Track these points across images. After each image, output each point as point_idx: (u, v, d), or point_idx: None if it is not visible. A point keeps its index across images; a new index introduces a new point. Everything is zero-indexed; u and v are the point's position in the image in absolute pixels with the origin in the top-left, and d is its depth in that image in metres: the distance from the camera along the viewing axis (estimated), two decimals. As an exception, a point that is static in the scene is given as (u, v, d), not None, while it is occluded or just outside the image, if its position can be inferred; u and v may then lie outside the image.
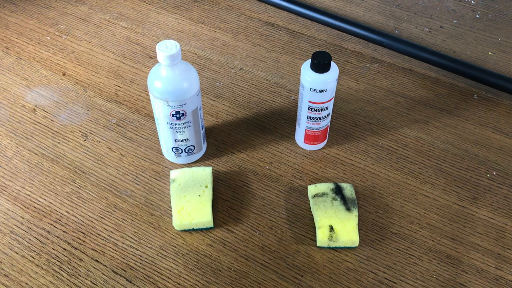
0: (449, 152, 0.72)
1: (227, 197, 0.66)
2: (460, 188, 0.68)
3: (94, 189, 0.67)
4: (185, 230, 0.62)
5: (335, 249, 0.61)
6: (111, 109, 0.78)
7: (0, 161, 0.71)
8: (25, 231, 0.63)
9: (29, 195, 0.66)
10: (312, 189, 0.65)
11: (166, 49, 0.58)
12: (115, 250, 0.61)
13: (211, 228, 0.63)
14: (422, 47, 0.84)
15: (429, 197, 0.67)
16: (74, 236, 0.62)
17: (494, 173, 0.70)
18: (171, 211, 0.64)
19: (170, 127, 0.64)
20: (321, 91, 0.63)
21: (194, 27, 0.94)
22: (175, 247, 0.61)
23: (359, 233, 0.62)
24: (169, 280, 0.58)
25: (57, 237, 0.62)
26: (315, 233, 0.62)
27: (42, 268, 0.59)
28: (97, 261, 0.60)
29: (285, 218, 0.64)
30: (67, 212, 0.65)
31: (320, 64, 0.61)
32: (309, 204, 0.65)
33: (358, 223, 0.63)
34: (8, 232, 0.63)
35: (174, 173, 0.66)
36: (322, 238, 0.60)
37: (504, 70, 0.86)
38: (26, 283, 0.58)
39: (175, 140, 0.66)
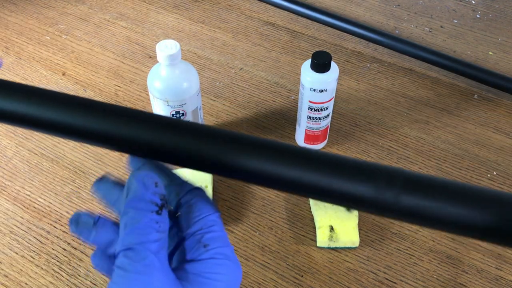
0: (449, 152, 0.72)
1: (227, 197, 0.66)
2: (461, 188, 0.68)
3: (94, 189, 0.67)
4: (185, 230, 0.62)
5: (335, 249, 0.61)
6: (111, 109, 0.78)
7: (-1, 161, 0.71)
8: (24, 231, 0.63)
9: (28, 195, 0.66)
10: (312, 189, 0.64)
11: (166, 49, 0.58)
12: (115, 250, 0.61)
13: (211, 228, 0.62)
14: (423, 47, 0.84)
15: (429, 197, 0.67)
16: (74, 236, 0.62)
17: (495, 173, 0.70)
18: (171, 211, 0.64)
19: (170, 127, 0.64)
20: (321, 91, 0.63)
21: (194, 27, 0.94)
22: (175, 247, 0.61)
23: (359, 233, 0.62)
24: (169, 280, 0.58)
25: (57, 237, 0.62)
26: (315, 233, 0.62)
27: (42, 268, 0.59)
28: (97, 261, 0.60)
29: (285, 218, 0.64)
30: (67, 212, 0.65)
31: (320, 64, 0.61)
32: (309, 204, 0.65)
33: (358, 223, 0.63)
34: (8, 232, 0.63)
35: (174, 173, 0.65)
36: (322, 238, 0.60)
37: (504, 70, 0.86)
38: (26, 283, 0.58)
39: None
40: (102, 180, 0.36)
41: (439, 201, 0.28)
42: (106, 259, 0.34)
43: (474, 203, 0.28)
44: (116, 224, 0.35)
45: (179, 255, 0.33)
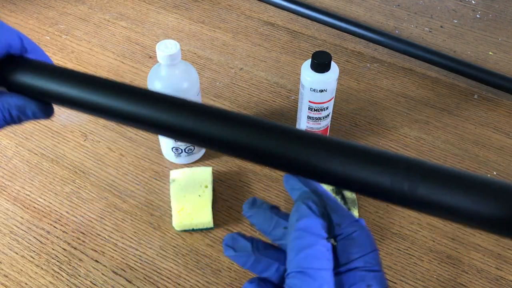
0: (449, 152, 0.72)
1: (227, 197, 0.66)
2: (461, 188, 0.68)
3: (94, 189, 0.67)
4: (185, 230, 0.62)
5: (335, 249, 0.61)
6: (111, 109, 0.78)
7: (-1, 161, 0.71)
8: (24, 231, 0.63)
9: (28, 195, 0.66)
10: (312, 189, 0.64)
11: (166, 49, 0.58)
12: (115, 250, 0.61)
13: (211, 228, 0.63)
14: (423, 47, 0.84)
15: (429, 197, 0.67)
16: (74, 236, 0.62)
17: (495, 173, 0.70)
18: (171, 211, 0.64)
19: (170, 127, 0.64)
20: (321, 91, 0.63)
21: (194, 27, 0.94)
22: (175, 247, 0.61)
23: (359, 233, 0.62)
24: (169, 280, 0.58)
25: (57, 237, 0.62)
26: (315, 233, 0.62)
27: (41, 268, 0.59)
28: (97, 261, 0.60)
29: (285, 218, 0.64)
30: (67, 212, 0.65)
31: (320, 64, 0.61)
32: (309, 204, 0.65)
33: (358, 223, 0.63)
34: (8, 232, 0.63)
35: (174, 173, 0.65)
36: (322, 238, 0.60)
37: (504, 70, 0.86)
38: (26, 283, 0.58)
39: (175, 140, 0.66)
40: (254, 204, 0.36)
41: (458, 193, 0.28)
42: (261, 284, 0.34)
43: (492, 195, 0.28)
44: (272, 247, 0.35)
45: (337, 285, 0.33)
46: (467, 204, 0.28)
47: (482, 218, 0.28)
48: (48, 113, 0.38)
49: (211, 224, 0.62)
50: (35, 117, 0.38)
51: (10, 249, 0.61)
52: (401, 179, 0.29)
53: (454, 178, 0.29)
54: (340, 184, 0.31)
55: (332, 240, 0.34)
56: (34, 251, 0.61)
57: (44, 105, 0.38)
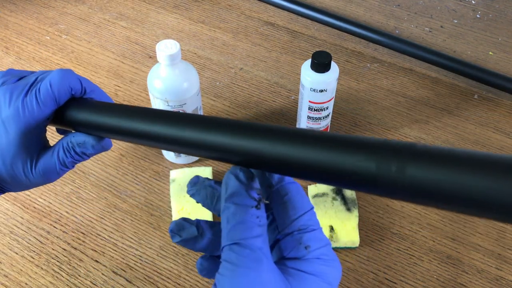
0: (449, 152, 0.72)
1: (227, 197, 0.66)
2: (461, 188, 0.68)
3: (94, 189, 0.67)
4: (185, 230, 0.62)
5: (335, 249, 0.61)
6: (111, 109, 0.78)
7: None
8: (24, 231, 0.63)
9: (28, 195, 0.66)
10: (312, 189, 0.65)
11: (166, 48, 0.58)
12: (115, 250, 0.61)
13: (211, 228, 0.62)
14: (423, 46, 0.84)
15: (429, 197, 0.66)
16: (73, 236, 0.62)
17: (495, 173, 0.70)
18: (171, 211, 0.64)
19: (170, 127, 0.64)
20: (321, 91, 0.63)
21: (194, 27, 0.94)
22: (175, 247, 0.61)
23: (359, 233, 0.62)
24: (169, 280, 0.58)
25: (57, 237, 0.62)
26: (315, 233, 0.62)
27: (41, 268, 0.59)
28: (97, 261, 0.60)
29: (285, 218, 0.64)
30: (67, 212, 0.65)
31: (321, 64, 0.61)
32: (309, 204, 0.65)
33: (359, 223, 0.63)
34: (8, 232, 0.63)
35: (174, 173, 0.65)
36: (322, 238, 0.60)
37: (504, 70, 0.86)
38: (26, 283, 0.58)
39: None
40: (197, 183, 0.36)
41: (456, 171, 0.23)
42: (212, 262, 0.35)
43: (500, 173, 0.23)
44: (219, 226, 0.34)
45: (277, 251, 0.33)
46: (469, 183, 0.23)
47: (492, 201, 0.23)
48: (104, 145, 0.41)
49: (211, 224, 0.62)
50: (94, 150, 0.41)
51: (10, 249, 0.61)
52: (387, 161, 0.25)
53: (449, 155, 0.24)
54: (314, 177, 0.29)
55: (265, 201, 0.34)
56: (34, 251, 0.61)
57: (100, 138, 0.41)
